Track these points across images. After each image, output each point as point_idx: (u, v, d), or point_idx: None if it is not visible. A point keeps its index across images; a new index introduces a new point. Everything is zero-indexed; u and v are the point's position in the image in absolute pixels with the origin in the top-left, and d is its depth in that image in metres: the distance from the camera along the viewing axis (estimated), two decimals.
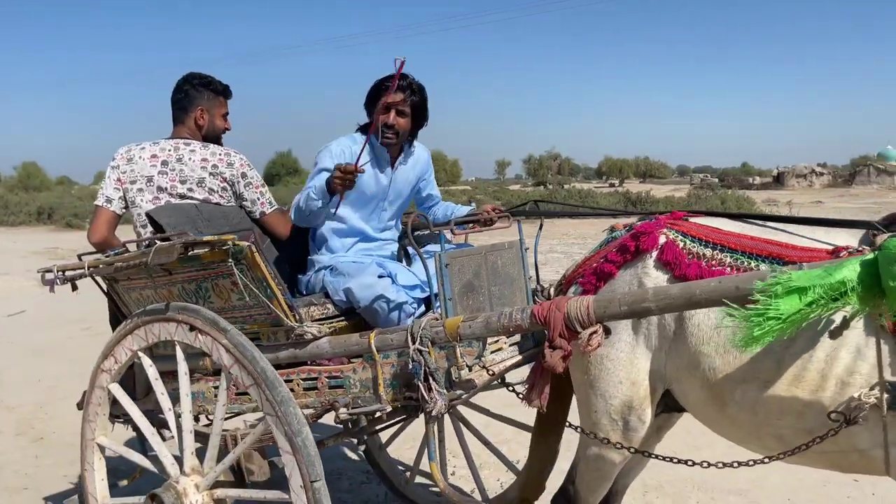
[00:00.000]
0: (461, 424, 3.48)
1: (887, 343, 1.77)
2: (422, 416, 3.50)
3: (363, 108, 2.99)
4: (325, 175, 2.71)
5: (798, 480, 3.79)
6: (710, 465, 2.13)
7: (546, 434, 2.78)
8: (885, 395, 1.72)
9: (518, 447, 3.88)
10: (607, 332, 1.94)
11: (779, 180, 49.43)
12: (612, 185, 53.40)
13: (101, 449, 2.74)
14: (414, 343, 2.18)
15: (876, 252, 1.61)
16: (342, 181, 2.60)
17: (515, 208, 3.09)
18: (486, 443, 3.42)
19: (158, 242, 2.33)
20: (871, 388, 1.74)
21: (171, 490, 2.37)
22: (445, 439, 3.51)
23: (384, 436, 3.69)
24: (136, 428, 2.93)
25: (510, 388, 2.40)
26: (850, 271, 1.60)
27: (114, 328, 3.07)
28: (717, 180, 50.73)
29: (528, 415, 3.32)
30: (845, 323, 1.71)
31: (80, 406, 3.17)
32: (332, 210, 2.80)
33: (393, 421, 2.93)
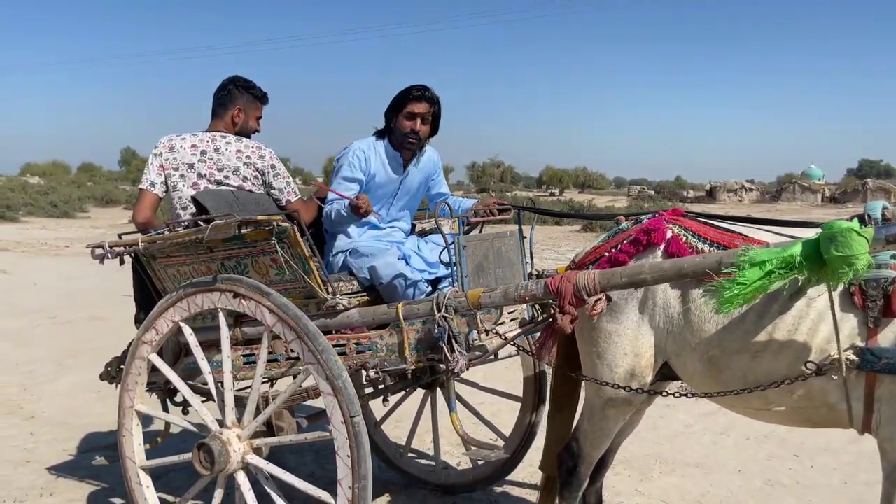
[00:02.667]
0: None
1: (853, 313, 2.19)
2: (415, 393, 3.90)
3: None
4: (346, 184, 3.19)
5: (748, 455, 4.31)
6: (711, 395, 2.47)
7: (560, 409, 3.13)
8: (848, 356, 2.15)
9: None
10: (609, 300, 2.37)
11: (711, 194, 51.59)
12: (552, 195, 54.60)
13: (140, 416, 2.97)
14: (440, 311, 2.56)
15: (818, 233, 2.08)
16: (359, 214, 3.09)
17: (521, 207, 3.49)
18: (476, 412, 3.81)
19: (216, 220, 2.64)
20: (846, 350, 2.15)
21: (217, 440, 2.66)
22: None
23: (378, 414, 4.03)
24: (161, 396, 3.23)
25: (519, 349, 2.79)
26: (798, 248, 2.05)
27: (138, 302, 3.35)
28: (653, 192, 52.54)
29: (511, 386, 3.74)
30: (825, 299, 2.16)
31: (102, 377, 3.40)
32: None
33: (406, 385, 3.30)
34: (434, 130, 3.37)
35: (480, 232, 3.36)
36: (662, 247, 2.53)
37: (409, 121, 3.25)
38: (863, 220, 2.13)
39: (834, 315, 2.15)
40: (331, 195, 3.22)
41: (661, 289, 2.50)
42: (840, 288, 2.15)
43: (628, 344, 2.58)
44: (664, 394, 2.59)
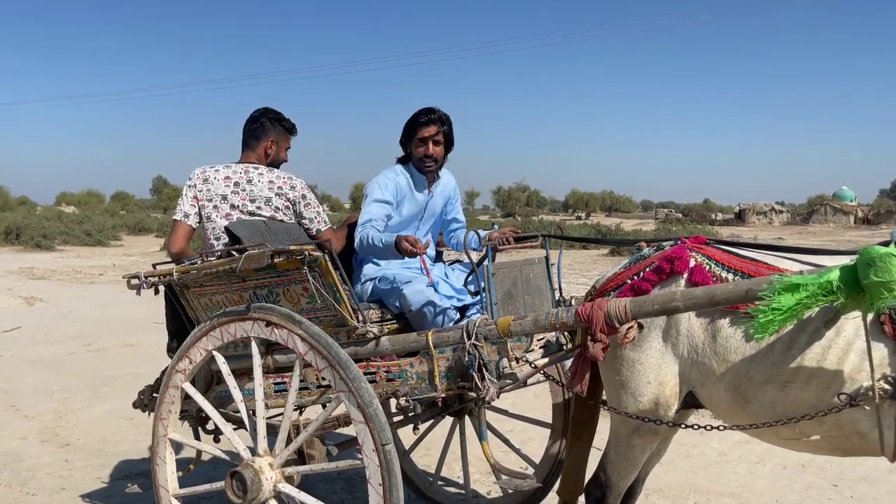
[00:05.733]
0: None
1: (884, 342, 2.16)
2: (443, 421, 3.88)
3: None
4: (377, 206, 3.21)
5: (785, 485, 4.21)
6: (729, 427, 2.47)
7: (580, 436, 3.12)
8: (881, 385, 2.13)
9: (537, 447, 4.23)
10: (640, 327, 2.36)
11: (740, 217, 51.07)
12: (578, 218, 54.45)
13: (173, 444, 3.00)
14: (470, 339, 2.57)
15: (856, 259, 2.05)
16: (409, 254, 2.98)
17: (546, 234, 3.49)
18: (505, 440, 3.79)
19: (249, 250, 2.68)
20: (878, 380, 2.13)
21: (249, 468, 2.68)
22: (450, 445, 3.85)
23: (407, 443, 4.02)
24: (193, 424, 3.27)
25: (547, 377, 2.78)
26: (836, 273, 2.04)
27: (171, 332, 3.40)
28: (681, 215, 52.15)
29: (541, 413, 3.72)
30: (854, 328, 2.15)
31: (135, 405, 3.45)
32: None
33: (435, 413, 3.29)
34: (449, 148, 3.41)
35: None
36: (686, 275, 2.52)
37: (421, 146, 3.30)
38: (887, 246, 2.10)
39: (868, 344, 2.12)
40: (364, 218, 3.23)
41: (685, 317, 2.48)
42: (870, 317, 2.12)
43: (652, 373, 2.56)
44: (695, 427, 2.55)
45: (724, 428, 2.51)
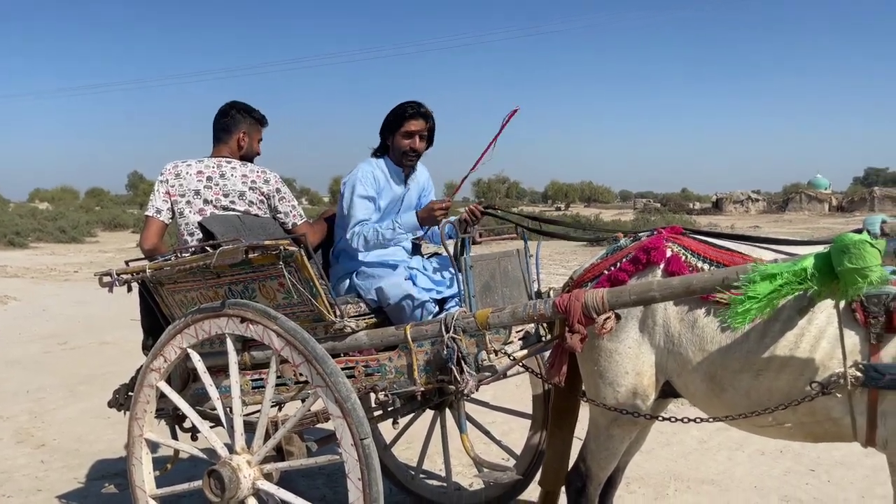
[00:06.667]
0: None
1: (855, 330, 2.18)
2: (424, 415, 3.87)
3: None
4: (365, 203, 3.17)
5: (763, 471, 4.26)
6: (708, 420, 2.48)
7: (560, 426, 3.12)
8: (852, 372, 2.14)
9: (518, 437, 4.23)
10: (618, 318, 2.36)
11: (717, 206, 51.51)
12: (558, 209, 54.66)
13: (149, 444, 2.96)
14: (448, 332, 2.55)
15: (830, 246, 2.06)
16: (445, 213, 3.05)
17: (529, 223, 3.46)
18: (486, 432, 3.79)
19: (223, 246, 2.64)
20: (850, 367, 2.14)
21: (227, 466, 2.65)
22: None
23: (388, 437, 4.00)
24: (170, 422, 3.23)
25: (527, 369, 2.79)
26: (810, 261, 2.05)
27: (146, 329, 3.35)
28: (659, 205, 52.51)
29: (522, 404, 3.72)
30: (826, 316, 2.18)
31: (111, 404, 3.40)
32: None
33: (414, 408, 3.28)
34: (429, 144, 3.38)
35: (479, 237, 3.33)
36: (662, 266, 2.53)
37: (406, 139, 3.26)
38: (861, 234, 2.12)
39: (841, 331, 2.14)
40: (356, 218, 3.18)
41: (662, 307, 2.49)
42: (842, 305, 2.14)
43: (629, 363, 2.57)
44: (672, 419, 2.57)
45: (701, 420, 2.52)
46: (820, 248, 2.11)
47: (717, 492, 4.00)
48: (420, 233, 3.24)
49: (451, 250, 2.92)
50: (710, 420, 2.48)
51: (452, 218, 3.45)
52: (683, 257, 2.51)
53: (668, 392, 2.67)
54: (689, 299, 2.41)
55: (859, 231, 2.14)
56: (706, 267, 2.43)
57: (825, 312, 2.23)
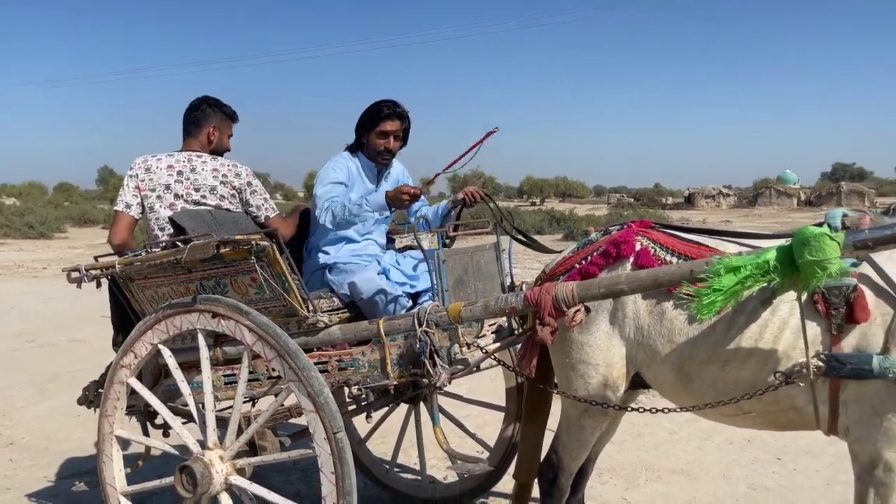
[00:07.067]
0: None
1: (817, 320, 2.23)
2: (399, 409, 3.88)
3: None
4: (336, 186, 3.13)
5: (732, 460, 4.34)
6: (679, 409, 2.53)
7: (533, 419, 3.15)
8: (814, 362, 2.20)
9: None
10: (587, 310, 2.39)
11: (690, 201, 52.12)
12: (533, 204, 54.86)
13: (120, 441, 2.93)
14: (421, 326, 2.57)
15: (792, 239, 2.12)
16: (411, 199, 3.00)
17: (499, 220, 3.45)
18: (460, 425, 3.81)
19: (194, 241, 2.63)
20: (812, 357, 2.20)
21: (199, 462, 2.63)
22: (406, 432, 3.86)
23: (362, 431, 4.01)
24: (141, 419, 3.20)
25: (500, 362, 2.81)
26: (772, 253, 2.10)
27: (116, 326, 3.31)
28: (633, 200, 53.00)
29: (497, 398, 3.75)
30: (789, 307, 2.23)
31: (80, 402, 3.36)
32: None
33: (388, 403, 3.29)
34: (404, 143, 3.38)
35: (457, 224, 3.33)
36: (632, 259, 2.57)
37: (381, 139, 3.26)
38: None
39: (803, 322, 2.19)
40: (326, 196, 3.12)
41: (631, 300, 2.52)
42: (804, 296, 2.19)
43: (600, 355, 2.61)
44: (640, 410, 2.61)
45: (669, 411, 2.57)
46: (782, 242, 2.16)
47: (687, 481, 4.07)
48: (386, 213, 3.21)
49: (425, 245, 2.93)
50: (679, 410, 2.52)
51: (424, 208, 3.44)
52: (652, 251, 2.55)
53: (638, 383, 2.71)
54: (658, 292, 2.45)
55: (821, 225, 2.19)
56: (674, 260, 2.47)
57: (788, 304, 2.29)
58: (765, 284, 2.13)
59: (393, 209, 3.12)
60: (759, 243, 2.44)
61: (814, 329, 2.24)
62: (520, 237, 3.31)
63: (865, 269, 2.22)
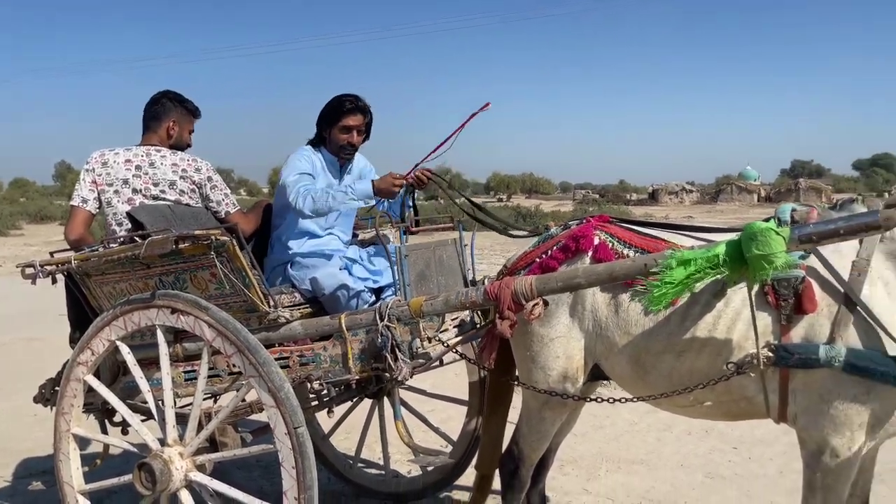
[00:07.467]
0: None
1: (768, 312, 2.30)
2: (361, 404, 3.88)
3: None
4: (304, 176, 3.09)
5: (690, 450, 4.45)
6: (635, 399, 2.58)
7: (495, 411, 3.19)
8: (765, 353, 2.27)
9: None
10: (546, 304, 2.43)
11: (653, 197, 52.93)
12: (500, 200, 55.12)
13: (77, 439, 2.89)
14: (382, 320, 2.58)
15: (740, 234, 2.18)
16: (399, 187, 2.99)
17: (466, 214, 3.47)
18: (424, 419, 3.84)
19: (152, 236, 2.60)
20: (763, 347, 2.26)
21: (158, 458, 2.62)
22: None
23: (326, 427, 4.01)
24: (99, 417, 3.16)
25: (462, 356, 2.84)
26: (722, 247, 2.16)
27: (73, 322, 3.26)
28: (598, 196, 53.56)
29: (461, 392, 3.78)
30: (741, 299, 2.29)
31: (36, 400, 3.30)
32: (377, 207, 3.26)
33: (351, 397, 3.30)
34: (366, 137, 3.38)
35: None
36: (590, 253, 2.62)
37: (344, 134, 3.25)
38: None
39: (753, 314, 2.26)
40: (297, 184, 3.07)
41: (590, 293, 2.57)
42: (755, 288, 2.26)
43: (560, 347, 2.65)
44: (598, 400, 2.66)
45: (626, 401, 2.62)
46: (733, 236, 2.22)
47: (646, 471, 4.15)
48: (372, 202, 3.19)
49: (392, 233, 2.94)
50: (635, 400, 2.58)
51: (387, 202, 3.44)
52: (610, 244, 2.60)
53: (597, 375, 2.76)
54: (615, 285, 2.50)
55: (770, 219, 2.26)
56: (632, 253, 2.53)
57: (740, 295, 2.35)
58: (716, 277, 2.19)
59: (379, 200, 3.10)
60: (714, 237, 2.50)
61: (764, 320, 2.31)
62: (478, 215, 3.33)
63: (813, 261, 2.30)
